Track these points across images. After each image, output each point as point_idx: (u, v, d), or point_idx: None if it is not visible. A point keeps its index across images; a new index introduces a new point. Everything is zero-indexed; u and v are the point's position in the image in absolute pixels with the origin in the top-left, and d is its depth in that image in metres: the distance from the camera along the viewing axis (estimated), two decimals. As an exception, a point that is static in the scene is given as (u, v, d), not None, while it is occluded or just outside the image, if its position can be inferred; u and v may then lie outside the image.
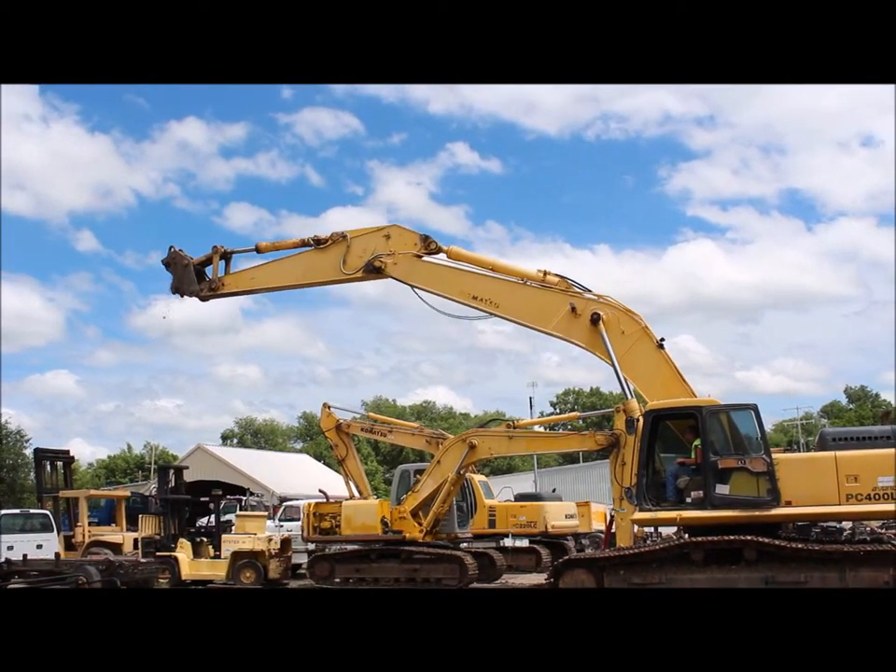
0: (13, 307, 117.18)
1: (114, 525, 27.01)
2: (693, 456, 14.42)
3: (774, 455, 13.89)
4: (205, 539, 22.55)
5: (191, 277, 19.00)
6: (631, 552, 14.29)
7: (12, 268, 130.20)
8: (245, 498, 35.15)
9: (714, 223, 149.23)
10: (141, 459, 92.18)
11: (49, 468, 27.67)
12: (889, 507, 13.42)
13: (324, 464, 66.61)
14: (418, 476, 21.39)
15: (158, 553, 21.24)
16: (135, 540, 23.33)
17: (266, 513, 28.53)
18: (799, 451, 28.20)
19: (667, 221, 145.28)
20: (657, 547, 14.26)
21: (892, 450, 13.51)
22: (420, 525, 20.43)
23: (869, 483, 13.26)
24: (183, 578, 21.15)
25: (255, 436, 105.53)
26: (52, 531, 23.85)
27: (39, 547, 22.40)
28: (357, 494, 23.83)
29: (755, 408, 14.26)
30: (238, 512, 27.00)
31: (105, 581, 16.86)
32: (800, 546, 13.31)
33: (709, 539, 13.59)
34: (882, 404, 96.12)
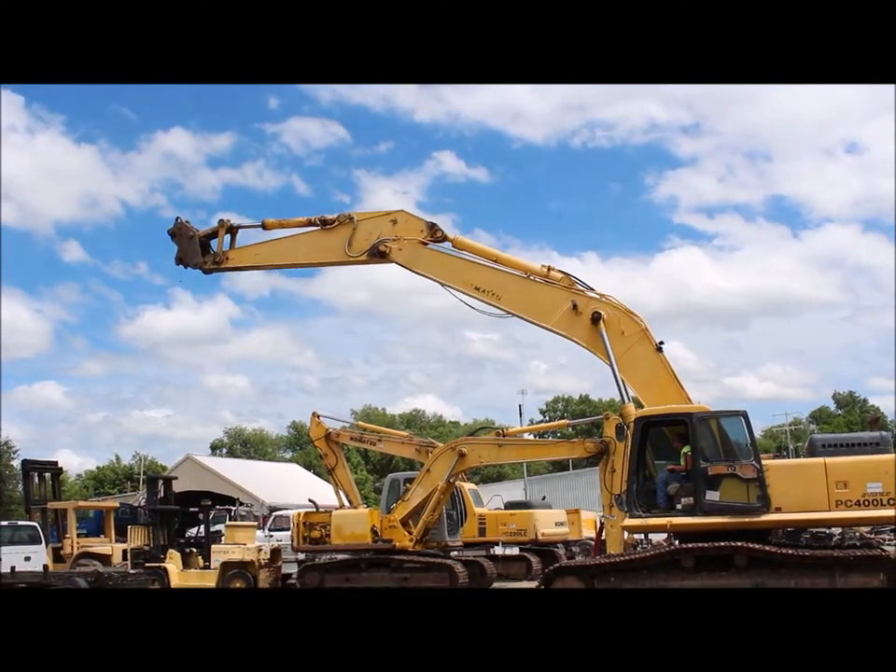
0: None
1: (103, 536, 26.85)
2: (681, 463, 14.45)
3: (763, 462, 13.91)
4: (195, 550, 22.43)
5: (196, 249, 18.84)
6: (621, 559, 14.27)
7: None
8: (234, 508, 35.02)
9: (701, 230, 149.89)
10: (130, 470, 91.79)
11: (37, 479, 27.54)
12: (878, 513, 13.45)
13: (313, 473, 66.52)
14: (408, 485, 21.37)
15: (147, 564, 21.11)
16: (124, 551, 23.18)
17: (256, 523, 28.41)
18: (788, 457, 28.35)
19: (654, 229, 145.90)
20: (647, 554, 14.24)
21: (881, 456, 13.57)
22: (410, 533, 20.40)
23: (858, 489, 13.29)
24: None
25: (244, 446, 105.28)
26: (40, 543, 23.68)
27: (27, 559, 22.22)
28: (346, 503, 23.79)
29: (745, 414, 14.27)
30: (227, 523, 26.89)
31: (93, 592, 16.74)
32: (790, 552, 13.32)
33: (700, 545, 13.59)
34: (870, 410, 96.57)
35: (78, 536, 25.82)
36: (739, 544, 13.33)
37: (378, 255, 17.55)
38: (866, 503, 13.27)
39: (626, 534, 16.22)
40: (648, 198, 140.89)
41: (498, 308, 16.87)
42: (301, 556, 23.70)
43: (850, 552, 13.56)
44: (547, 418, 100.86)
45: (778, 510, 13.53)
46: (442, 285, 17.32)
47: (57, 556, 24.54)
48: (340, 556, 22.40)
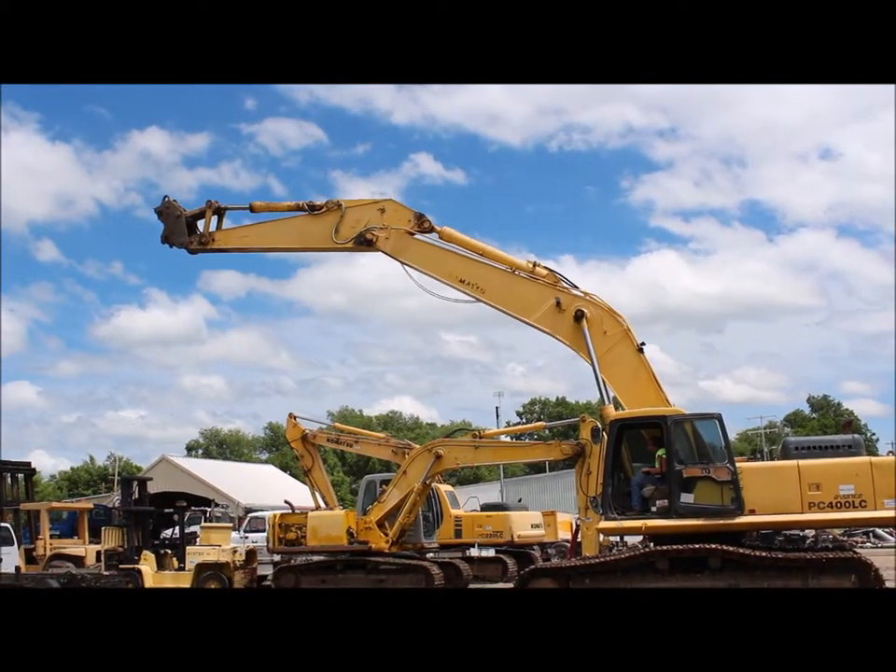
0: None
1: (76, 537, 26.63)
2: (656, 466, 14.52)
3: (738, 464, 13.99)
4: (169, 552, 22.30)
5: (182, 229, 18.66)
6: (596, 560, 14.32)
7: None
8: (209, 510, 34.83)
9: (677, 234, 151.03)
10: (104, 471, 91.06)
11: (9, 480, 27.21)
12: (850, 515, 13.59)
13: (290, 475, 66.35)
14: (384, 486, 21.35)
15: (121, 566, 20.96)
16: (98, 553, 23.02)
17: (231, 525, 28.29)
18: (763, 460, 28.51)
19: (631, 232, 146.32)
20: (622, 556, 14.29)
21: (853, 458, 13.70)
22: (386, 535, 20.39)
23: (831, 491, 13.41)
24: (146, 590, 20.91)
25: (220, 447, 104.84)
26: (13, 544, 23.42)
27: (-1, 560, 22.06)
28: (322, 504, 23.73)
29: (720, 417, 14.36)
30: (203, 524, 26.75)
31: (66, 594, 16.60)
32: (763, 554, 13.41)
33: (674, 547, 13.65)
34: (844, 413, 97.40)
35: (52, 537, 25.55)
36: (713, 546, 13.40)
37: (365, 243, 17.48)
38: (839, 505, 13.39)
39: (602, 536, 16.28)
40: (624, 201, 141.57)
41: (482, 301, 16.85)
42: (277, 558, 23.61)
43: (823, 554, 13.64)
44: (524, 420, 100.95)
45: (752, 512, 13.62)
46: (408, 271, 17.33)
47: (29, 558, 24.29)
48: (315, 558, 22.35)
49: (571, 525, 25.68)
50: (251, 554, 22.31)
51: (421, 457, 19.94)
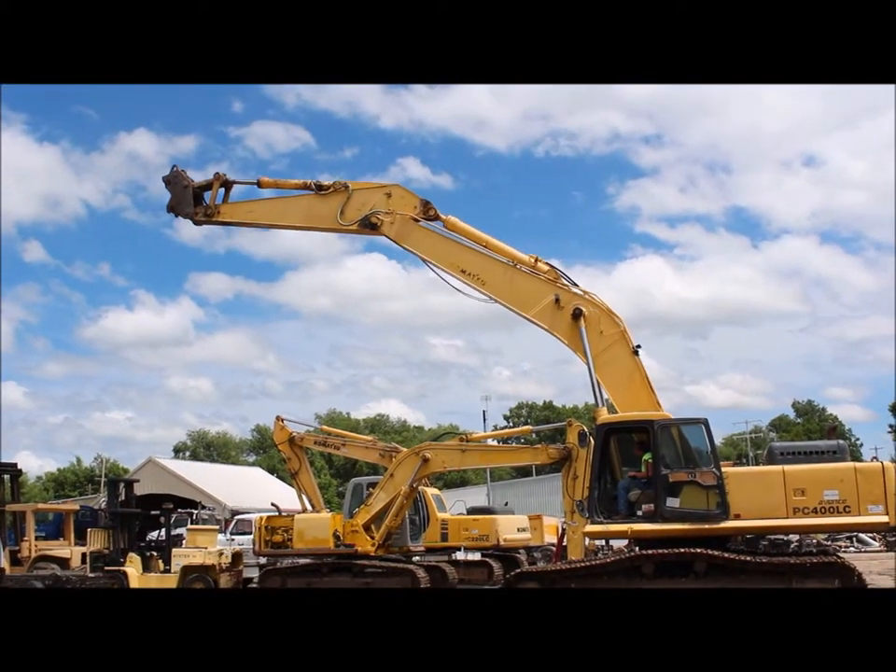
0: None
1: (62, 539, 26.52)
2: (642, 470, 14.57)
3: (723, 469, 14.06)
4: (155, 554, 22.22)
5: (189, 199, 18.61)
6: (582, 564, 14.36)
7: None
8: (196, 512, 34.76)
9: (662, 240, 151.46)
10: (91, 472, 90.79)
11: (-5, 481, 27.12)
12: (834, 520, 13.66)
13: (277, 477, 66.21)
14: (371, 489, 21.32)
15: (106, 568, 20.87)
16: (83, 555, 22.90)
17: (217, 527, 28.20)
18: (748, 465, 28.60)
19: (616, 237, 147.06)
20: (608, 560, 14.35)
21: (838, 464, 13.78)
22: (372, 538, 20.35)
23: (815, 496, 13.49)
24: (132, 592, 20.82)
25: (207, 449, 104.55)
26: (-3, 545, 23.37)
27: (-16, 562, 21.94)
28: (309, 507, 23.67)
29: (706, 422, 14.42)
30: (189, 526, 26.66)
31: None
32: (748, 559, 13.49)
33: (659, 551, 13.70)
34: (829, 419, 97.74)
35: (37, 539, 25.45)
36: (699, 551, 13.47)
37: (369, 226, 17.48)
38: (823, 510, 13.47)
39: (588, 540, 16.31)
40: (610, 207, 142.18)
41: (482, 293, 16.85)
42: (263, 560, 23.56)
43: (807, 558, 13.72)
44: (511, 424, 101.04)
45: (738, 517, 13.69)
46: (424, 261, 17.29)
47: (14, 559, 24.17)
48: (302, 561, 22.30)
49: (557, 528, 25.68)
50: (237, 557, 22.24)
51: (408, 461, 19.93)
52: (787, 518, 13.61)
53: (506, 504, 35.38)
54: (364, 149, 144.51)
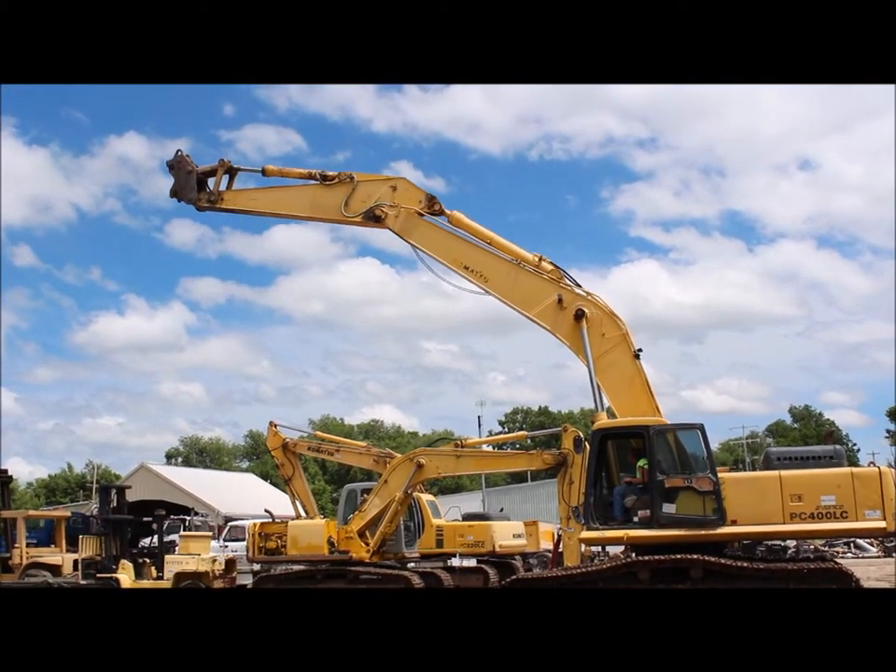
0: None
1: (53, 546, 26.38)
2: (637, 476, 14.48)
3: (720, 475, 13.98)
4: (148, 560, 22.10)
5: (192, 185, 18.53)
6: (578, 571, 14.27)
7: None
8: (189, 518, 34.57)
9: (657, 244, 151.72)
10: (82, 478, 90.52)
11: (-15, 487, 26.95)
12: (831, 526, 13.59)
13: (270, 483, 66.02)
14: (365, 496, 21.22)
15: (98, 575, 20.77)
16: (75, 562, 22.78)
17: (210, 534, 28.05)
18: (744, 470, 28.56)
19: (611, 241, 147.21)
20: (604, 566, 14.25)
21: (835, 469, 13.71)
22: (367, 544, 20.24)
23: (812, 502, 13.41)
24: (124, 600, 20.67)
25: (200, 454, 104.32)
26: (-12, 553, 23.24)
27: (-26, 569, 21.80)
28: (303, 513, 23.56)
29: (701, 427, 14.34)
30: (182, 533, 26.53)
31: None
32: (745, 565, 13.40)
33: (656, 557, 13.63)
34: (826, 424, 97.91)
35: (28, 546, 25.30)
36: (695, 557, 13.38)
37: (373, 218, 17.38)
38: (820, 516, 13.40)
39: (584, 546, 16.22)
40: (604, 211, 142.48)
41: (484, 290, 16.72)
42: (257, 567, 23.41)
43: (804, 564, 13.66)
44: (506, 429, 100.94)
45: (734, 522, 13.61)
46: (426, 256, 17.20)
47: (5, 567, 24.06)
48: (296, 567, 22.17)
49: (553, 534, 25.59)
50: (231, 563, 22.14)
51: (402, 467, 19.83)
52: (784, 524, 13.53)
53: (501, 510, 35.30)
54: (356, 153, 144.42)
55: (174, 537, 26.63)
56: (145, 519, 23.62)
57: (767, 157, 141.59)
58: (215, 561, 21.44)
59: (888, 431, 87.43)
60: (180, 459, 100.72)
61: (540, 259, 16.59)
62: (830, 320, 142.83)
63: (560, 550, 17.11)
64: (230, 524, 35.33)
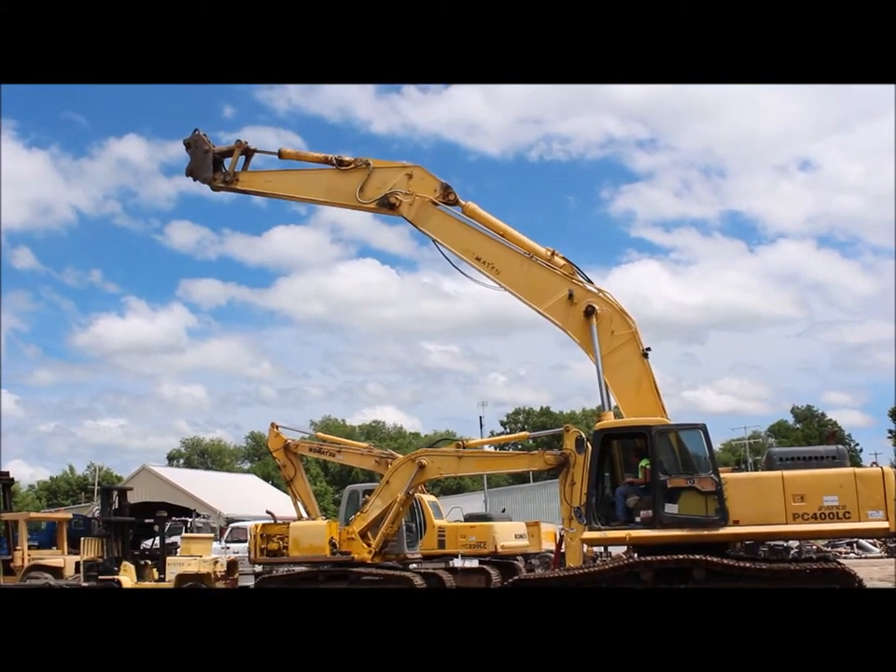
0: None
1: (55, 548, 26.34)
2: (639, 476, 14.45)
3: (722, 475, 13.95)
4: (150, 562, 22.10)
5: (209, 164, 18.44)
6: (580, 571, 14.24)
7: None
8: (190, 520, 34.53)
9: (658, 244, 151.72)
10: (84, 481, 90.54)
11: (-13, 490, 26.93)
12: (834, 526, 13.57)
13: (272, 484, 66.02)
14: (367, 496, 21.19)
15: (100, 577, 20.76)
16: (77, 564, 22.76)
17: (212, 535, 28.05)
18: (747, 470, 28.51)
19: (612, 242, 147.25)
20: (606, 567, 14.22)
21: (838, 469, 13.68)
22: (369, 546, 20.21)
23: (815, 502, 13.39)
24: (126, 602, 20.64)
25: (202, 456, 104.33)
26: (-10, 555, 23.21)
27: (-24, 571, 21.78)
28: (305, 515, 23.55)
29: (704, 427, 14.32)
30: (183, 534, 26.52)
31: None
32: (747, 565, 13.37)
33: (658, 558, 13.60)
34: (828, 424, 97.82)
35: (30, 548, 25.25)
36: (697, 557, 13.36)
37: (387, 206, 17.33)
38: (823, 516, 13.37)
39: (586, 547, 16.20)
40: (605, 211, 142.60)
41: (495, 282, 16.66)
42: (259, 569, 23.39)
43: (807, 565, 13.63)
44: (508, 430, 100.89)
45: (737, 523, 13.59)
46: (435, 242, 17.16)
47: (7, 569, 23.99)
48: (298, 569, 22.12)
49: (555, 535, 25.57)
50: (232, 565, 22.14)
51: (404, 467, 19.80)
52: (786, 524, 13.51)
53: (503, 511, 35.28)
54: (355, 154, 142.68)
55: (175, 538, 26.61)
56: (146, 521, 23.62)
57: (767, 157, 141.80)
58: (216, 563, 21.44)
59: (890, 431, 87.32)
60: (182, 461, 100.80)
61: (553, 254, 16.51)
62: (831, 320, 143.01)
63: (562, 550, 17.08)
64: (231, 525, 35.31)
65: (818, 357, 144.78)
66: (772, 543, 21.45)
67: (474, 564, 25.23)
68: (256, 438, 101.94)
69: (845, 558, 29.08)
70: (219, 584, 20.97)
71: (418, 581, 20.15)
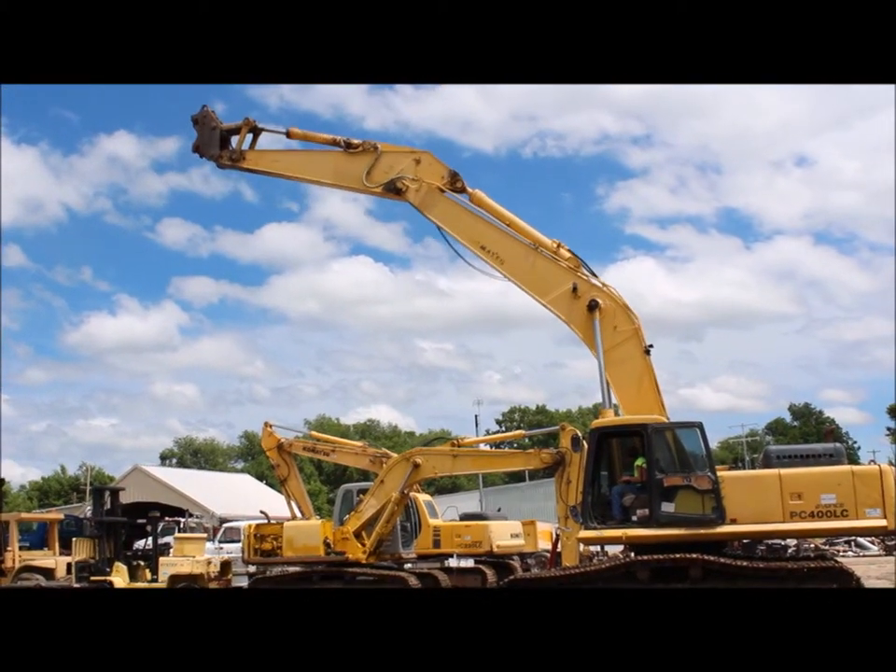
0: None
1: (46, 549, 26.27)
2: (635, 475, 14.36)
3: (719, 473, 13.87)
4: (142, 563, 21.98)
5: (216, 142, 18.39)
6: (576, 570, 14.16)
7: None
8: (183, 520, 34.50)
9: (654, 241, 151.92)
10: (76, 481, 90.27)
11: (-22, 490, 26.85)
12: (832, 524, 13.49)
13: (265, 484, 65.89)
14: (361, 496, 21.11)
15: (92, 578, 20.63)
16: (69, 565, 22.65)
17: (205, 535, 27.92)
18: (744, 468, 28.50)
19: (607, 239, 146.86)
20: (603, 566, 14.14)
21: (835, 467, 13.60)
22: (363, 545, 20.12)
23: (812, 500, 13.32)
24: (118, 603, 20.52)
25: (194, 456, 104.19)
26: (-19, 556, 23.09)
27: (-33, 572, 21.66)
28: (299, 514, 23.45)
29: (700, 425, 14.24)
30: (176, 535, 26.39)
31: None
32: (744, 564, 13.31)
33: (655, 557, 13.53)
34: (826, 421, 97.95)
35: (21, 549, 25.20)
36: (694, 556, 13.28)
37: (394, 190, 17.21)
38: (820, 514, 13.30)
39: (582, 546, 16.12)
40: (600, 208, 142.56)
41: (499, 272, 16.52)
42: (252, 569, 23.28)
43: (804, 563, 13.59)
44: (503, 429, 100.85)
45: (734, 521, 13.51)
46: (443, 233, 17.06)
47: (-2, 570, 23.92)
48: (292, 569, 22.02)
49: (551, 534, 25.48)
50: (226, 565, 22.02)
51: (399, 466, 19.70)
52: (784, 522, 13.44)
53: (499, 510, 35.12)
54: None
55: (168, 539, 26.51)
56: (139, 521, 23.55)
57: (763, 153, 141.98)
58: (210, 563, 21.32)
59: (888, 429, 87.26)
60: (174, 460, 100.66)
61: (559, 246, 16.36)
62: (828, 317, 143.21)
63: (558, 549, 17.01)
64: (225, 525, 35.14)
65: (815, 355, 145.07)
66: (769, 542, 21.39)
67: (470, 563, 25.16)
68: (249, 437, 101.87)
69: (842, 556, 29.04)
70: (213, 585, 20.84)
71: (413, 581, 20.06)
